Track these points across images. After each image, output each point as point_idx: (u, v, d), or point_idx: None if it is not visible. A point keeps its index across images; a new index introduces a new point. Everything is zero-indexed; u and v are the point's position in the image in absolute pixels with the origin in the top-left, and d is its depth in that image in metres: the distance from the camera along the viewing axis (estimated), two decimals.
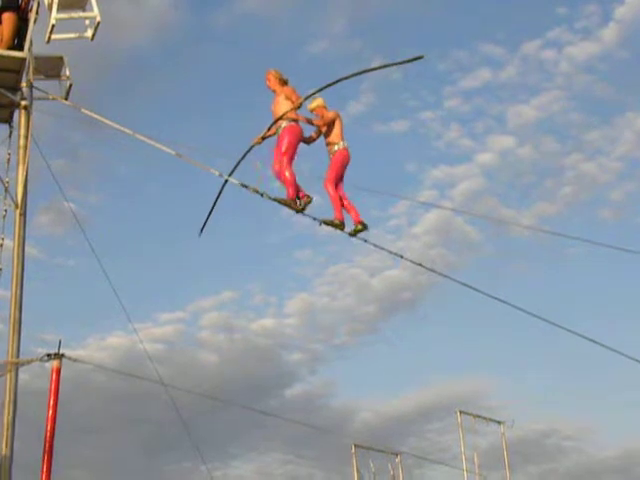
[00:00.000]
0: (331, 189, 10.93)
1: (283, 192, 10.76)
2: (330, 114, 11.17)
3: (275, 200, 10.70)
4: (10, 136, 10.67)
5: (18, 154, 10.38)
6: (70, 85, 11.18)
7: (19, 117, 10.51)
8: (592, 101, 40.12)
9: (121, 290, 10.94)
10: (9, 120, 10.82)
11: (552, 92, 38.10)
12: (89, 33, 10.62)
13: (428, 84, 40.98)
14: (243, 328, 35.56)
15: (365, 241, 11.06)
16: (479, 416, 20.04)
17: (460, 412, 19.62)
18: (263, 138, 11.03)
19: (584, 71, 39.07)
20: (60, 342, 8.22)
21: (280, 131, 10.85)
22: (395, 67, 10.99)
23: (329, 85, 10.44)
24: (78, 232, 10.95)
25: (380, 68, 10.96)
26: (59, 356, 8.14)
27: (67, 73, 11.23)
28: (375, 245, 11.13)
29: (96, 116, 10.90)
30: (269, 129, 10.95)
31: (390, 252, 11.13)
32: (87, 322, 33.88)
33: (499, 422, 20.50)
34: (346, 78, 10.44)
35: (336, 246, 36.16)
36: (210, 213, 11.28)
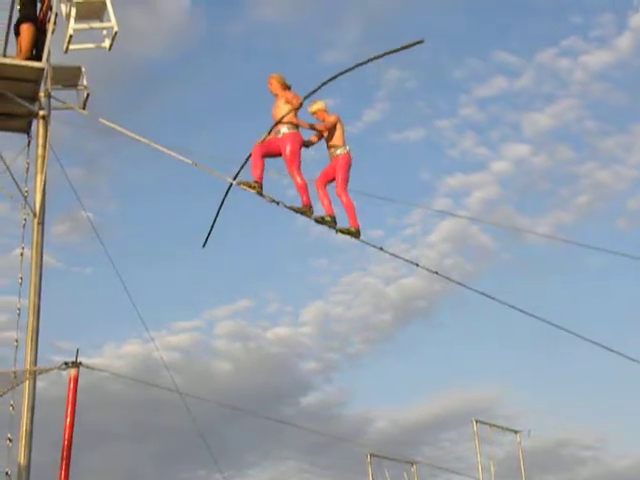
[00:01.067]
0: (346, 197, 10.94)
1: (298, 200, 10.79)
2: (331, 118, 11.13)
3: (291, 209, 10.72)
4: (29, 146, 10.76)
5: (36, 163, 10.45)
6: (87, 95, 11.26)
7: (37, 127, 10.59)
8: (607, 109, 40.04)
9: (137, 298, 11.00)
10: (27, 130, 10.91)
11: (567, 100, 38.08)
12: (107, 43, 10.69)
13: (443, 92, 41.05)
14: (258, 337, 35.60)
15: (381, 249, 11.05)
16: (495, 425, 19.98)
17: (476, 421, 19.55)
18: (264, 141, 10.96)
19: (599, 79, 39.07)
20: (78, 351, 8.25)
21: (281, 136, 10.80)
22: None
23: (327, 82, 10.37)
24: (95, 241, 11.02)
25: (379, 57, 10.70)
26: (77, 365, 8.17)
27: (84, 83, 11.33)
28: (391, 253, 11.14)
29: (113, 125, 10.97)
30: (269, 133, 10.92)
31: (406, 260, 11.14)
32: (103, 330, 33.99)
33: (516, 431, 20.43)
34: (344, 72, 10.34)
35: (351, 255, 36.19)
36: (215, 220, 11.27)
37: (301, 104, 10.75)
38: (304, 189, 10.72)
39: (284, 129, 10.77)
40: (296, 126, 10.86)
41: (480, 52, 41.66)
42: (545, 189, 39.23)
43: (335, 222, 10.84)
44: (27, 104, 10.45)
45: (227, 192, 10.91)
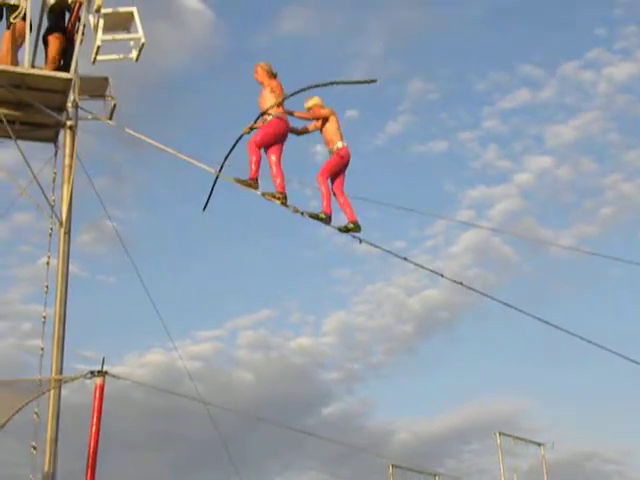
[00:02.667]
0: (322, 182, 10.92)
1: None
2: (323, 111, 11.17)
3: (310, 216, 10.74)
4: (56, 155, 10.84)
5: (63, 173, 10.51)
6: (114, 105, 11.34)
7: (64, 137, 10.67)
8: (631, 121, 39.80)
9: (161, 307, 11.04)
10: (55, 140, 10.99)
11: (591, 112, 37.88)
12: (134, 54, 10.78)
13: (466, 104, 40.98)
14: (280, 346, 35.58)
15: (405, 259, 11.05)
16: (519, 438, 19.84)
17: (499, 433, 19.42)
18: (251, 128, 11.01)
19: (623, 91, 38.84)
20: (103, 360, 8.26)
21: (266, 123, 10.86)
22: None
23: (302, 90, 10.52)
24: (119, 250, 11.07)
25: (331, 84, 10.74)
26: (102, 373, 8.18)
27: (111, 93, 11.41)
28: (415, 263, 11.12)
29: (139, 135, 11.04)
30: (256, 121, 10.96)
31: (431, 271, 11.13)
32: (126, 339, 34.10)
33: (539, 444, 20.26)
34: (316, 86, 10.53)
35: (373, 265, 36.16)
36: (210, 195, 11.27)
37: (283, 100, 10.78)
38: (281, 178, 10.72)
39: (270, 116, 10.84)
40: (282, 113, 10.90)
41: (503, 65, 41.66)
42: (568, 201, 39.04)
43: (359, 227, 10.88)
44: (55, 114, 10.54)
45: (214, 185, 10.99)
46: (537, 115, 40.18)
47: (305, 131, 11.38)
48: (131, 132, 11.04)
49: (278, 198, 10.67)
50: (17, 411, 8.55)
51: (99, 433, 8.18)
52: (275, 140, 10.84)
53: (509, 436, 19.64)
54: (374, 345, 37.37)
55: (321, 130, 11.24)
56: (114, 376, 8.33)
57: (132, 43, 10.83)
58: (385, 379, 35.57)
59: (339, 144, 11.06)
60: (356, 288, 38.63)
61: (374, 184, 34.75)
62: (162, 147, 10.96)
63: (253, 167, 10.72)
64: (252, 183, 10.72)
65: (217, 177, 10.95)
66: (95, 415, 8.18)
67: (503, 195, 37.35)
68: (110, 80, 11.40)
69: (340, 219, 10.97)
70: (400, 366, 36.42)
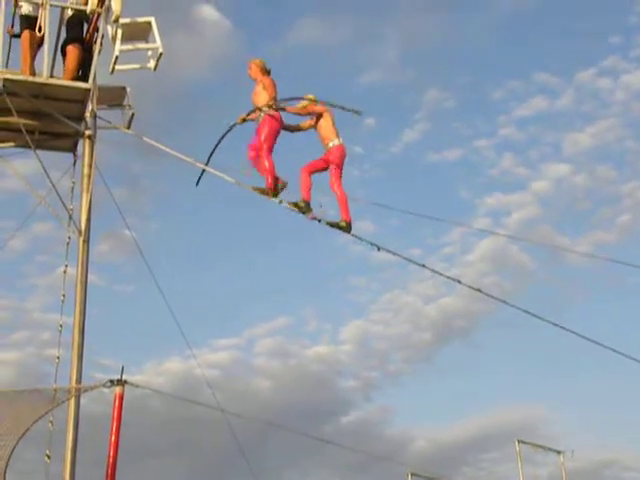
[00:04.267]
0: (338, 187, 10.90)
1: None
2: (316, 108, 11.16)
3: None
4: (74, 165, 10.90)
5: (82, 183, 10.55)
6: (132, 115, 11.36)
7: (83, 146, 10.71)
8: None
9: (179, 316, 11.05)
10: (73, 149, 11.05)
11: (608, 120, 37.75)
12: (152, 64, 10.80)
13: (482, 113, 40.94)
14: (298, 354, 35.57)
15: (423, 266, 11.04)
16: (538, 445, 19.74)
17: (518, 441, 19.34)
18: (244, 120, 11.03)
19: None
20: (123, 368, 8.27)
21: (260, 120, 10.88)
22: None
23: (292, 99, 10.65)
24: (137, 259, 11.09)
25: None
26: (122, 382, 8.19)
27: (130, 103, 11.44)
28: (434, 270, 11.10)
29: (156, 144, 11.08)
30: (249, 114, 10.98)
31: (448, 277, 11.10)
32: (144, 347, 34.15)
33: (558, 452, 20.15)
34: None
35: (390, 273, 36.10)
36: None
37: (273, 104, 10.80)
38: (270, 171, 10.74)
39: (263, 113, 10.87)
40: (276, 109, 10.92)
41: (519, 73, 41.51)
42: (585, 209, 38.88)
43: (309, 207, 10.80)
44: (73, 124, 10.58)
45: (202, 172, 11.01)
46: (554, 123, 40.05)
47: (299, 129, 11.36)
48: (149, 141, 11.08)
49: (267, 193, 10.71)
50: (37, 420, 8.59)
51: (119, 442, 8.19)
52: (276, 137, 10.90)
53: (528, 444, 19.55)
54: (392, 353, 37.32)
55: (316, 127, 11.23)
56: (133, 385, 8.33)
57: (150, 53, 10.85)
58: (403, 387, 35.49)
59: (335, 141, 11.07)
60: (373, 296, 38.61)
61: (390, 192, 34.82)
62: (180, 156, 11.00)
63: (270, 176, 10.74)
64: (282, 185, 10.80)
65: (213, 151, 11.05)
66: (115, 424, 8.19)
67: (520, 203, 37.28)
68: (128, 89, 11.44)
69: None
70: (418, 374, 36.34)
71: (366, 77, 39.28)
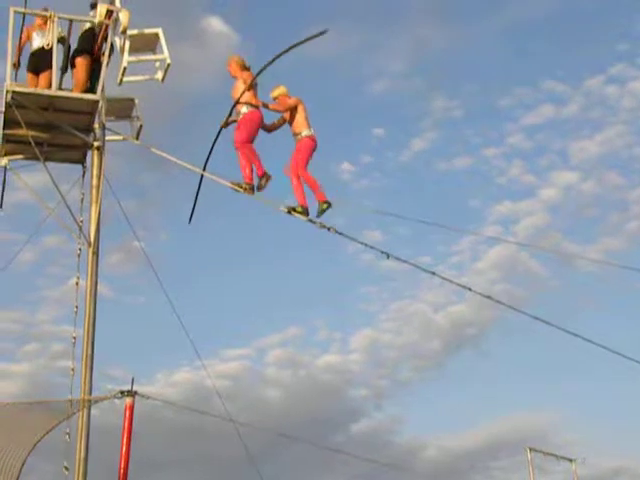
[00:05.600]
0: (306, 176, 10.89)
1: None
2: (291, 100, 11.13)
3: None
4: (83, 176, 10.92)
5: (91, 194, 10.58)
6: (140, 126, 11.40)
7: (92, 158, 10.73)
8: None
9: (188, 327, 11.04)
10: (82, 161, 11.07)
11: (616, 127, 37.72)
12: (159, 75, 10.83)
13: (490, 121, 40.88)
14: (308, 364, 35.53)
15: (433, 273, 11.02)
16: (549, 453, 19.63)
17: (530, 449, 19.24)
18: (227, 123, 11.02)
19: None
20: (133, 379, 8.26)
21: (240, 117, 10.86)
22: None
23: (269, 64, 10.38)
24: (147, 270, 11.10)
25: (290, 49, 10.50)
26: (132, 393, 8.18)
27: (138, 114, 11.48)
28: (443, 278, 11.08)
29: (164, 155, 11.09)
30: (230, 114, 10.95)
31: (459, 285, 11.06)
32: (155, 358, 34.17)
33: (570, 460, 20.03)
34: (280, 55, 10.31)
35: (400, 282, 36.04)
36: (194, 205, 11.39)
37: (252, 83, 10.77)
38: (249, 166, 10.75)
39: (243, 109, 10.84)
40: (255, 106, 10.89)
41: (527, 80, 41.42)
42: (594, 215, 38.82)
43: (307, 213, 10.79)
44: (82, 135, 10.62)
45: (199, 185, 11.04)
46: (562, 130, 40.03)
47: (275, 127, 11.34)
48: (157, 152, 11.09)
49: (245, 189, 10.70)
50: (48, 432, 8.58)
51: (130, 453, 8.18)
52: (256, 133, 10.89)
53: (539, 452, 19.45)
54: (402, 362, 37.22)
55: (289, 120, 11.20)
56: (144, 396, 8.32)
57: (158, 64, 10.90)
58: (413, 395, 35.41)
59: (307, 131, 11.04)
60: (383, 305, 38.55)
61: (399, 201, 34.75)
62: (188, 166, 11.01)
63: (256, 162, 10.77)
64: (264, 180, 10.78)
65: (201, 180, 11.04)
66: (125, 435, 8.17)
67: (529, 210, 37.21)
68: (136, 101, 11.47)
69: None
70: (428, 382, 36.23)
71: (374, 87, 39.19)
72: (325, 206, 10.80)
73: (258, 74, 10.71)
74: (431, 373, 37.32)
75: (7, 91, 10.03)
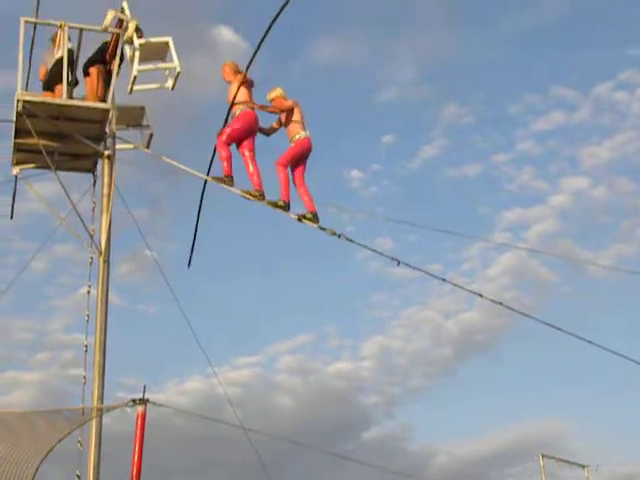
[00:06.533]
0: (281, 170, 10.95)
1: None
2: (287, 102, 11.20)
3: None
4: (94, 185, 10.95)
5: (102, 203, 10.59)
6: (151, 134, 11.43)
7: (102, 167, 10.75)
8: None
9: (199, 334, 11.05)
10: (93, 170, 11.10)
11: (626, 133, 37.69)
12: (169, 83, 10.85)
13: (500, 127, 40.92)
14: (319, 371, 35.52)
15: (444, 280, 11.02)
16: (562, 460, 19.58)
17: (542, 456, 19.19)
18: (223, 131, 11.08)
19: None
20: (145, 387, 8.27)
21: (235, 116, 10.98)
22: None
23: (255, 53, 10.46)
24: (158, 279, 11.10)
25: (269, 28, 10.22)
26: (144, 402, 8.19)
27: (148, 122, 11.51)
28: (454, 284, 11.08)
29: (175, 164, 11.12)
30: (227, 118, 11.05)
31: (469, 291, 11.07)
32: (166, 366, 34.23)
33: (583, 466, 19.99)
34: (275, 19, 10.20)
35: (410, 289, 36.05)
36: (194, 241, 11.71)
37: (244, 79, 10.85)
38: (226, 158, 10.83)
39: (238, 111, 10.95)
40: (251, 107, 10.99)
41: (537, 87, 41.43)
42: (605, 222, 38.73)
43: (317, 219, 10.89)
44: (93, 144, 10.64)
45: (202, 193, 11.27)
46: (572, 136, 39.97)
47: (273, 130, 11.43)
48: (167, 160, 11.12)
49: (255, 196, 10.78)
50: (60, 440, 8.60)
51: (142, 461, 8.18)
52: (245, 135, 10.94)
53: (552, 458, 19.40)
54: (413, 369, 37.18)
55: (285, 123, 11.28)
56: (155, 404, 8.33)
57: (167, 72, 10.93)
58: (424, 402, 35.35)
59: (302, 133, 11.11)
60: (393, 312, 38.55)
61: (409, 208, 34.80)
62: (199, 175, 11.04)
63: (225, 164, 10.84)
64: (227, 180, 10.85)
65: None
66: (137, 443, 8.18)
67: (539, 217, 37.17)
68: (147, 109, 11.50)
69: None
70: (439, 389, 36.20)
71: (384, 95, 39.29)
72: (280, 204, 10.86)
73: (247, 67, 10.80)
74: (442, 380, 37.26)
75: (18, 100, 10.06)
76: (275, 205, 10.86)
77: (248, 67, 10.84)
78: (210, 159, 11.20)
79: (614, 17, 40.38)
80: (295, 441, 12.52)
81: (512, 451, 32.11)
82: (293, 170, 11.14)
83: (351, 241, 10.72)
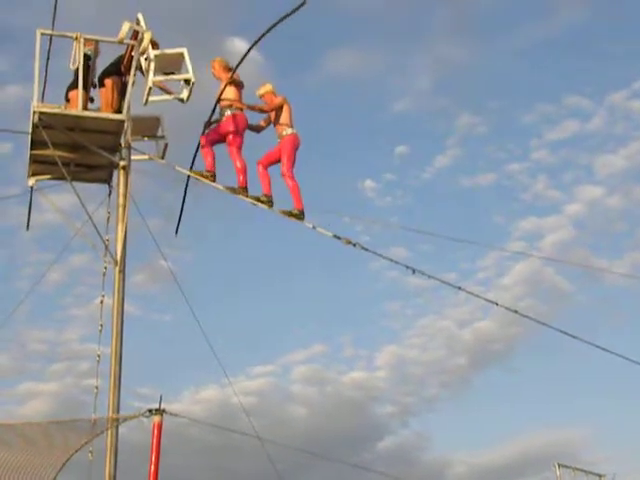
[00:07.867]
0: (289, 179, 10.98)
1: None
2: (277, 100, 11.21)
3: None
4: (109, 196, 11.00)
5: (117, 213, 10.63)
6: (166, 145, 11.47)
7: (118, 177, 10.79)
8: None
9: (215, 344, 11.05)
10: (108, 180, 11.15)
11: None
12: (184, 94, 10.89)
13: (514, 137, 40.83)
14: (334, 381, 35.47)
15: (459, 288, 11.02)
16: (579, 469, 19.41)
17: (559, 465, 19.04)
18: (210, 123, 11.18)
19: None
20: (161, 397, 8.26)
21: (224, 118, 11.00)
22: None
23: (255, 42, 10.47)
24: (173, 289, 11.12)
25: (280, 21, 10.23)
26: (160, 412, 8.18)
27: (163, 133, 11.55)
28: (470, 292, 11.08)
29: (190, 174, 11.16)
30: (212, 114, 11.08)
31: (485, 299, 11.05)
32: (181, 375, 34.24)
33: (600, 475, 19.80)
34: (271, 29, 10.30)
35: (425, 298, 35.96)
36: (182, 211, 11.71)
37: (232, 77, 10.88)
38: (242, 171, 10.90)
39: (227, 112, 10.99)
40: (240, 109, 11.03)
41: (551, 96, 41.32)
42: (621, 230, 38.63)
43: (271, 201, 10.93)
44: (108, 155, 10.68)
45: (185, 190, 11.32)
46: (586, 145, 39.92)
47: (262, 127, 11.47)
48: (182, 171, 11.17)
49: (263, 201, 10.84)
50: (76, 451, 8.61)
51: (158, 472, 8.17)
52: (222, 137, 11.05)
53: (568, 467, 19.23)
54: (428, 378, 37.06)
55: (274, 120, 11.31)
56: (172, 414, 8.33)
57: (182, 83, 10.97)
58: (440, 412, 35.19)
59: (288, 130, 11.14)
60: (408, 321, 38.46)
61: (423, 218, 34.74)
62: (213, 185, 11.07)
63: (209, 159, 10.97)
64: (208, 175, 10.95)
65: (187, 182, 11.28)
66: (154, 453, 8.17)
67: (554, 226, 37.07)
68: (162, 120, 11.54)
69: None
70: (455, 399, 36.03)
71: (398, 105, 39.28)
72: (263, 199, 10.91)
73: (237, 65, 10.85)
74: (458, 389, 37.14)
75: (34, 112, 10.12)
76: (290, 214, 10.89)
77: (237, 66, 10.88)
78: (195, 152, 11.24)
79: (628, 26, 40.37)
80: (309, 451, 12.52)
81: (528, 461, 31.96)
82: (271, 155, 11.19)
83: (366, 250, 10.73)
